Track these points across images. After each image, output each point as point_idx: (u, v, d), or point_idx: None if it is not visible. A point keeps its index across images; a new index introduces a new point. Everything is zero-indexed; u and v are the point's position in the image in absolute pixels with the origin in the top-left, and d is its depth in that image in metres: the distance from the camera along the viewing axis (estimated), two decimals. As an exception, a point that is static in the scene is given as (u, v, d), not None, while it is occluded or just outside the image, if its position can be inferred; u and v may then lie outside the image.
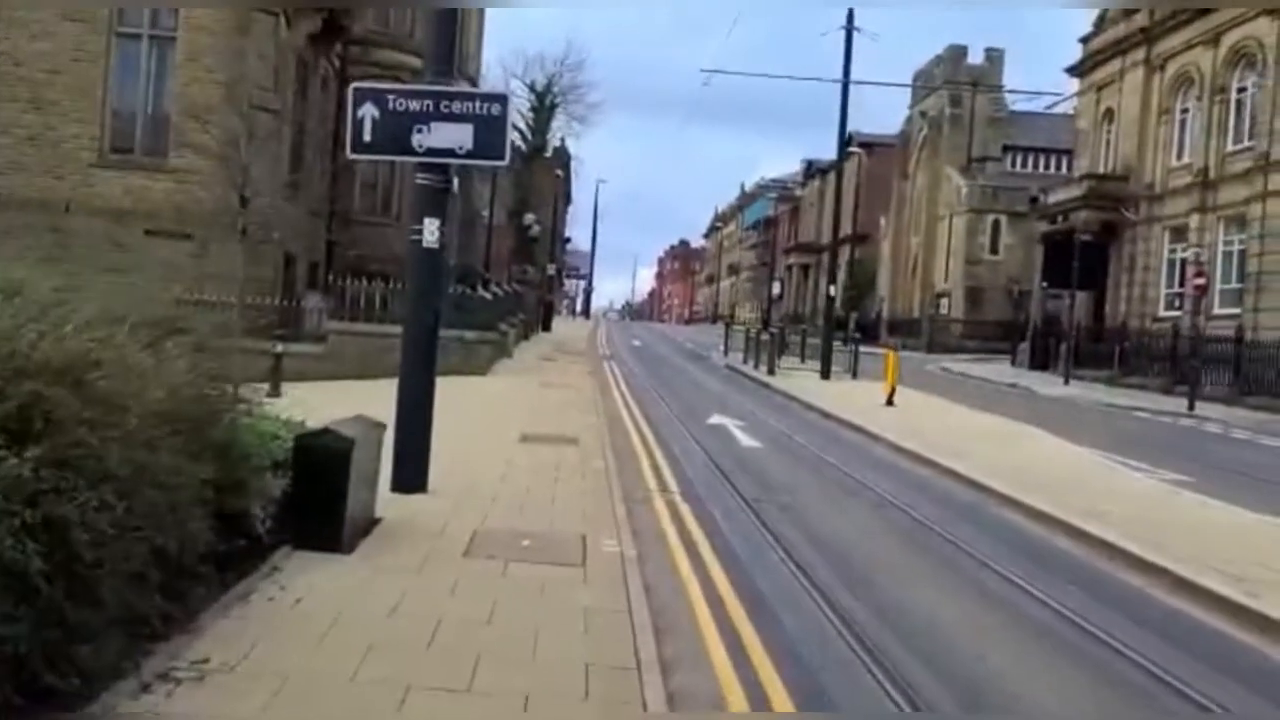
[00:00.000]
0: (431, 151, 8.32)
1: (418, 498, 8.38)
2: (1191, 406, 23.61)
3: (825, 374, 25.18)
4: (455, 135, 8.29)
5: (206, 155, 20.96)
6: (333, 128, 32.02)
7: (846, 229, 70.95)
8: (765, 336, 28.94)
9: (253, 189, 17.10)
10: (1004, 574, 7.62)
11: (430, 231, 8.38)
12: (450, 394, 18.19)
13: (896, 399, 19.24)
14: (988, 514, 10.08)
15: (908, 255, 61.38)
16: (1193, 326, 25.37)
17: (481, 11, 41.00)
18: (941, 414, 18.82)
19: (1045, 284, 36.84)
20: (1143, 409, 23.45)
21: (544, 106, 64.17)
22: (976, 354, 46.13)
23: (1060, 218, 37.51)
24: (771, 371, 25.55)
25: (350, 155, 8.50)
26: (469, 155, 8.35)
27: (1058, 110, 62.13)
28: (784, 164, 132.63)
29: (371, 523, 7.29)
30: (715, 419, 16.66)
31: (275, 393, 16.78)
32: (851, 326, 51.30)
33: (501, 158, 8.42)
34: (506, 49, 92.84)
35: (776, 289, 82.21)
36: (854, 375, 26.07)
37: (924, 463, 12.71)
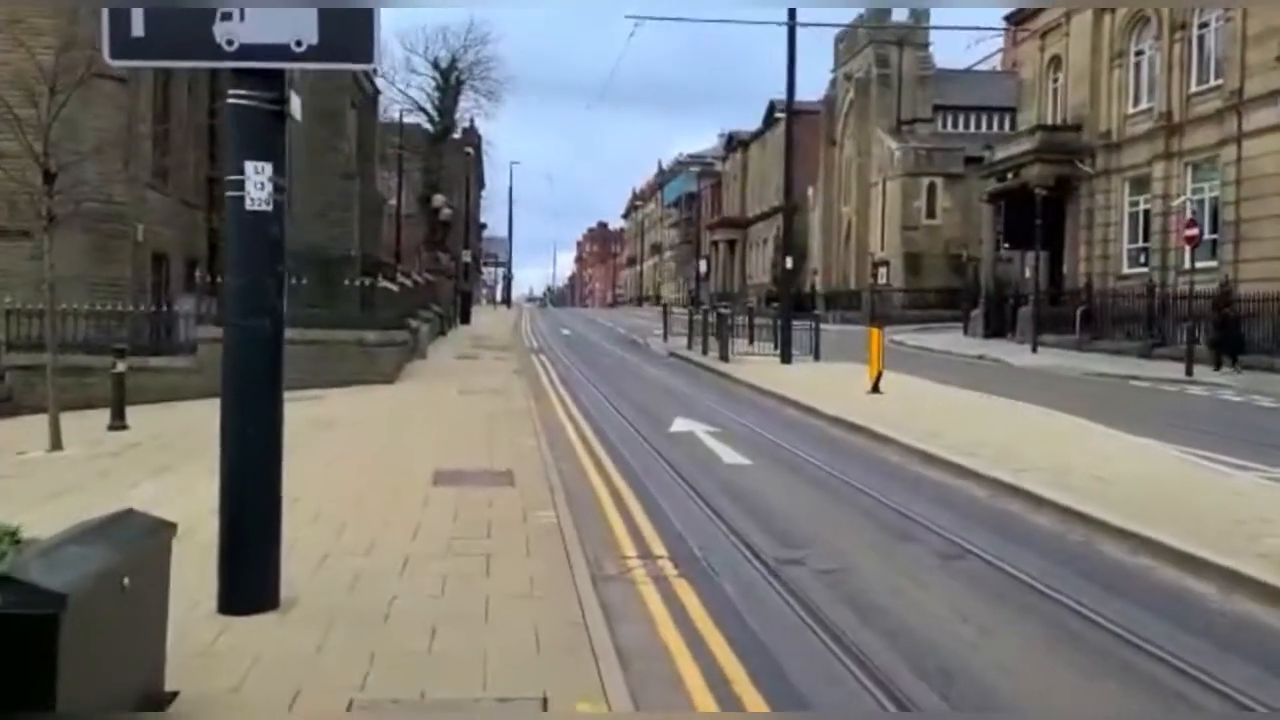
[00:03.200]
0: (249, 51, 5.04)
1: (258, 624, 5.09)
2: (1189, 371, 21.25)
3: (786, 358, 22.23)
4: (287, 22, 5.01)
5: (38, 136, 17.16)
6: (208, 105, 28.17)
7: (775, 201, 68.53)
8: (710, 319, 25.90)
9: (76, 167, 13.42)
10: None
11: (257, 183, 5.09)
12: (344, 412, 14.42)
13: (881, 384, 16.34)
14: (1135, 573, 7.10)
15: (839, 224, 59.02)
16: (1189, 283, 22.97)
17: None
18: (938, 400, 15.96)
19: (1006, 245, 34.43)
20: (1137, 378, 21.00)
21: (449, 85, 60.20)
22: (921, 324, 43.82)
23: (1010, 174, 35.13)
24: (725, 358, 22.52)
25: (110, 60, 5.12)
26: (313, 55, 5.05)
27: (986, 66, 60.49)
28: (696, 142, 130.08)
29: (159, 702, 4.00)
30: (680, 424, 13.54)
31: (119, 422, 13.22)
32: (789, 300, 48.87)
33: (367, 58, 5.17)
34: (406, 24, 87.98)
35: (703, 267, 79.40)
36: (816, 357, 23.16)
37: (969, 476, 9.75)
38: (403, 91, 57.59)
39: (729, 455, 11.23)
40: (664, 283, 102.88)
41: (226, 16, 5.02)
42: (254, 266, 5.16)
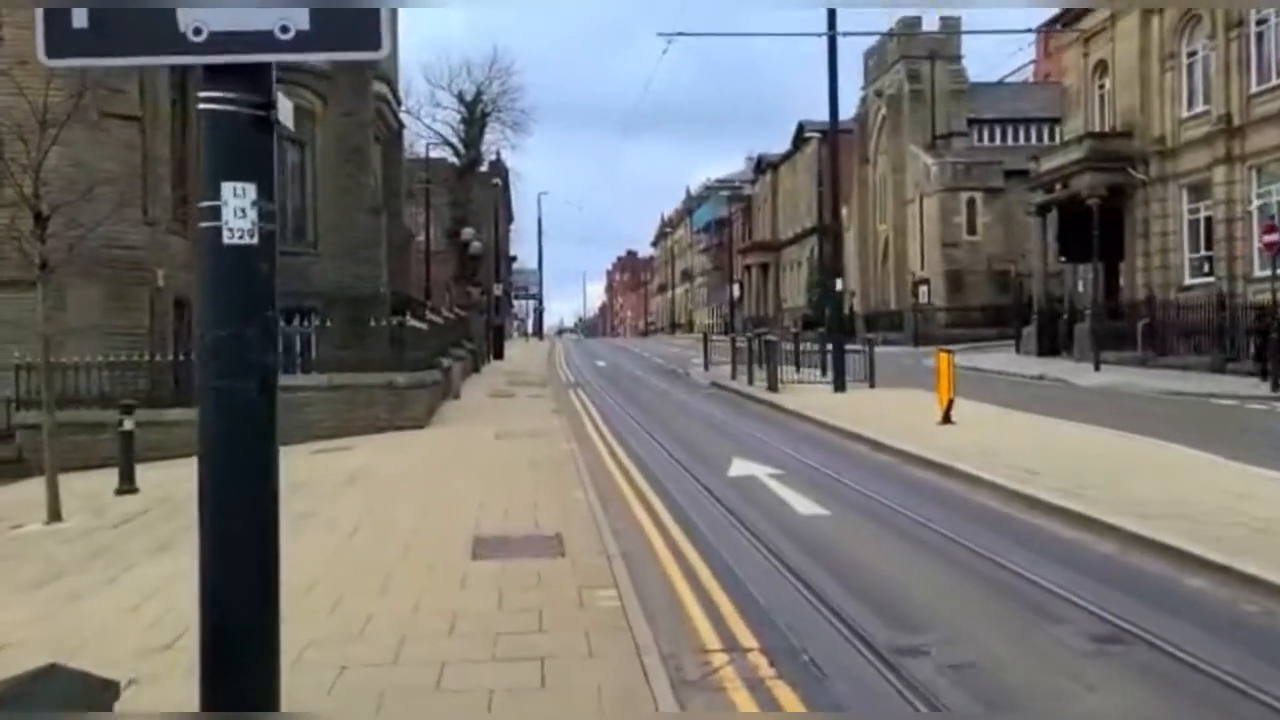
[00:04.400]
0: (222, 42, 3.88)
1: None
2: (1277, 387, 19.75)
3: (840, 385, 20.91)
4: (270, 5, 3.85)
5: (53, 181, 16.32)
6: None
7: (807, 222, 67.31)
8: (753, 345, 24.66)
9: (82, 210, 12.49)
10: None
11: (237, 209, 3.93)
12: (374, 464, 12.97)
13: (955, 413, 15.03)
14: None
15: (876, 244, 57.64)
16: (1272, 292, 21.43)
17: (393, 11, 36.45)
18: (1018, 429, 14.61)
19: (1062, 258, 32.97)
20: (1215, 395, 19.51)
21: (475, 117, 59.59)
22: (968, 343, 42.27)
23: (1059, 185, 33.70)
24: (773, 387, 21.25)
25: (46, 60, 4.00)
26: (304, 43, 3.89)
27: (1018, 78, 59.13)
28: (723, 167, 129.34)
29: None
30: (739, 466, 12.30)
31: (127, 485, 12.17)
32: (824, 323, 47.48)
33: (373, 44, 3.99)
34: (428, 57, 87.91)
35: (736, 292, 78.18)
36: (872, 383, 21.83)
37: (1087, 525, 8.44)
38: (428, 126, 57.08)
39: (801, 504, 9.97)
40: (696, 309, 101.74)
41: (194, 3, 3.87)
42: (235, 314, 3.98)
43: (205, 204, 4.00)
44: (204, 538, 4.07)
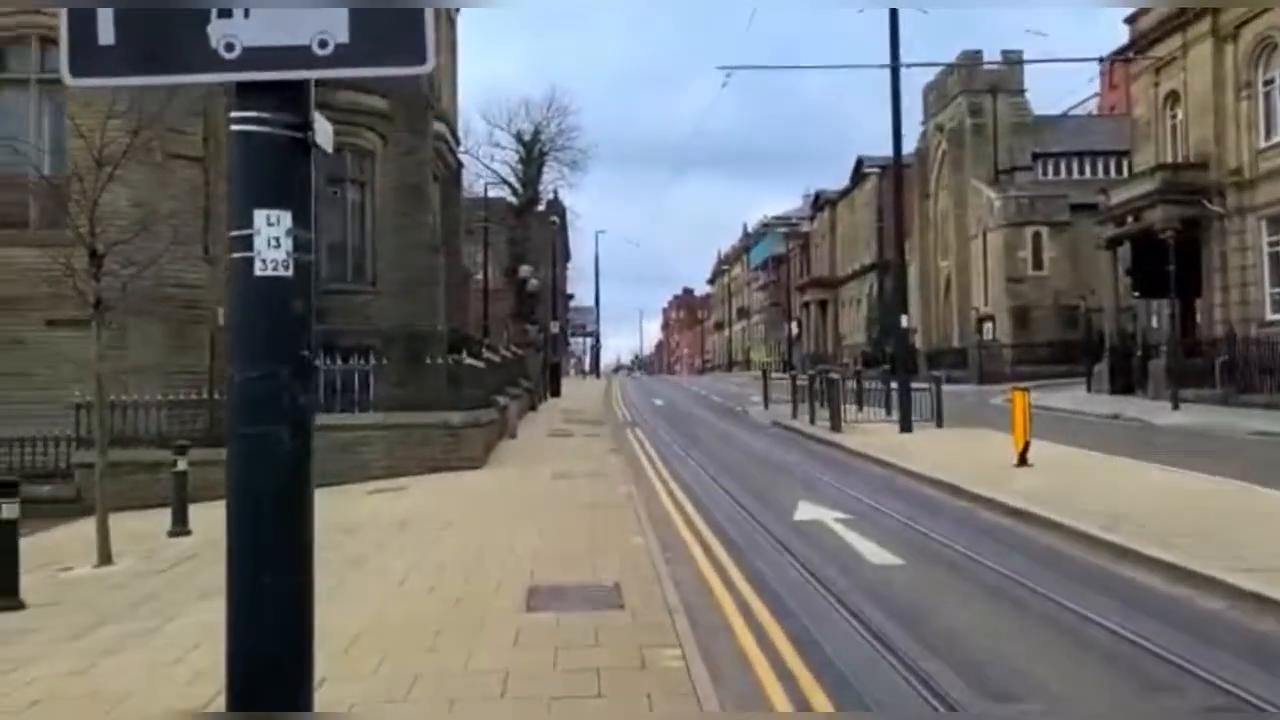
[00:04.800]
0: (255, 58, 3.57)
1: None
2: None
3: (906, 425, 20.25)
4: (307, 17, 3.54)
5: (116, 220, 16.46)
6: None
7: (866, 259, 66.55)
8: (814, 383, 24.09)
9: (141, 249, 12.46)
10: None
11: (270, 239, 3.61)
12: (427, 506, 12.70)
13: (1031, 455, 14.34)
14: None
15: (938, 279, 56.70)
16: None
17: (453, 49, 36.81)
18: (1099, 472, 13.88)
19: (1136, 293, 31.96)
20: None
21: (533, 156, 60.06)
22: (1035, 380, 41.14)
23: (1130, 219, 32.74)
24: (836, 427, 20.65)
25: (71, 80, 3.74)
26: (343, 58, 3.57)
27: (1081, 110, 58.08)
28: (779, 204, 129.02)
29: None
30: (805, 511, 11.77)
31: (180, 527, 11.98)
32: (884, 361, 46.59)
33: (418, 58, 3.66)
34: (486, 100, 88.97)
35: (794, 329, 77.49)
36: (939, 423, 21.13)
37: (1190, 580, 7.80)
38: (486, 165, 57.61)
39: (873, 552, 9.43)
40: (753, 347, 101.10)
41: (225, 14, 3.56)
42: (267, 353, 3.65)
43: (236, 233, 3.68)
44: (232, 599, 3.72)
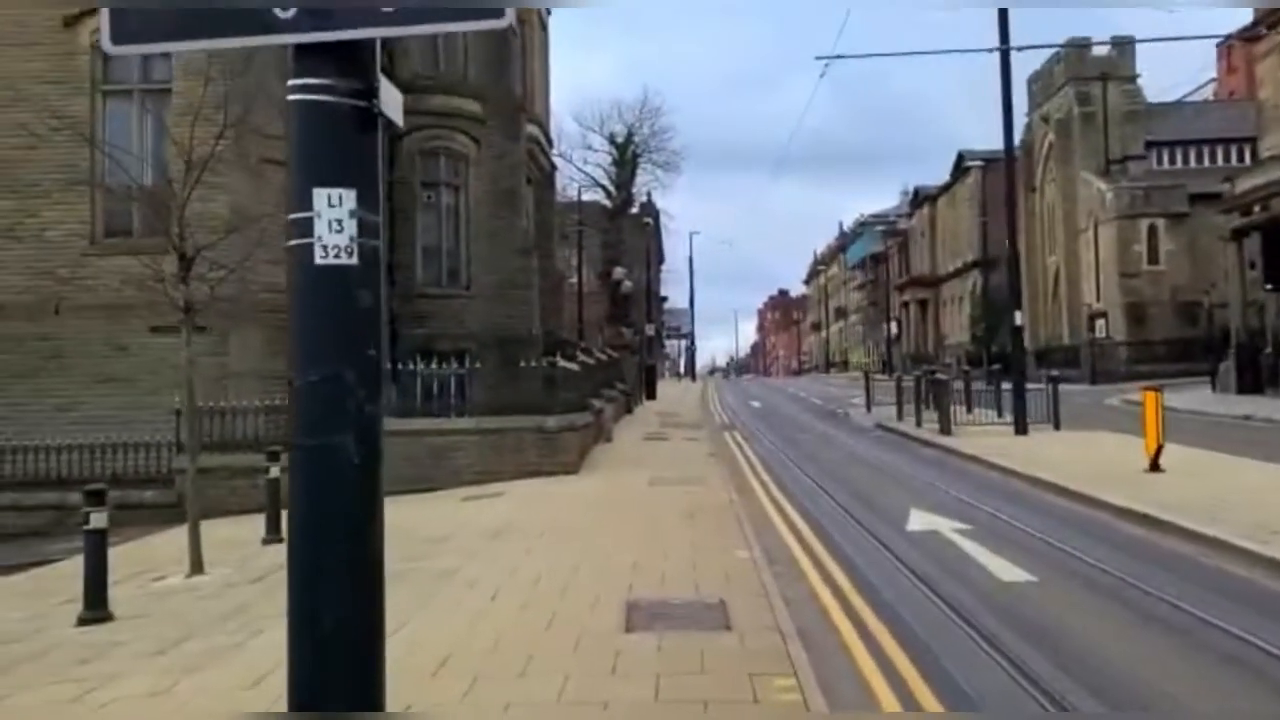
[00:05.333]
0: (312, 18, 3.10)
1: None
2: None
3: (1021, 428, 19.19)
4: (374, -31, 3.05)
5: (214, 226, 16.58)
6: (387, 189, 27.79)
7: (969, 256, 64.61)
8: (920, 384, 23.12)
9: (234, 253, 12.38)
10: None
11: (333, 222, 3.16)
12: (521, 513, 12.18)
13: (1163, 459, 13.31)
14: None
15: (1045, 275, 54.64)
16: None
17: (545, 52, 36.69)
18: (1245, 479, 12.76)
19: (1268, 286, 30.11)
20: None
21: (626, 159, 59.87)
22: (1152, 380, 39.10)
23: (1258, 208, 30.84)
24: (946, 430, 19.70)
25: (111, 47, 3.33)
26: (413, 15, 3.10)
27: (1198, 97, 55.37)
28: (874, 203, 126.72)
29: None
30: (918, 519, 11.03)
31: (274, 535, 11.80)
32: (988, 360, 44.95)
33: (497, 13, 3.16)
34: (578, 103, 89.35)
35: (894, 329, 75.74)
36: (1056, 425, 20.00)
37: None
38: (579, 169, 57.61)
39: (999, 567, 8.66)
40: (851, 347, 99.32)
41: (282, -29, 3.11)
42: (330, 354, 3.19)
43: (294, 216, 3.23)
44: (293, 627, 3.27)
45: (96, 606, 7.93)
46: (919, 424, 21.67)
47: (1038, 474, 13.56)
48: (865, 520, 11.28)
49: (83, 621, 7.84)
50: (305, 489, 3.21)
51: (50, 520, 16.02)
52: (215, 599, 8.52)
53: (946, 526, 10.54)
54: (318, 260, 3.18)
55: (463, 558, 9.43)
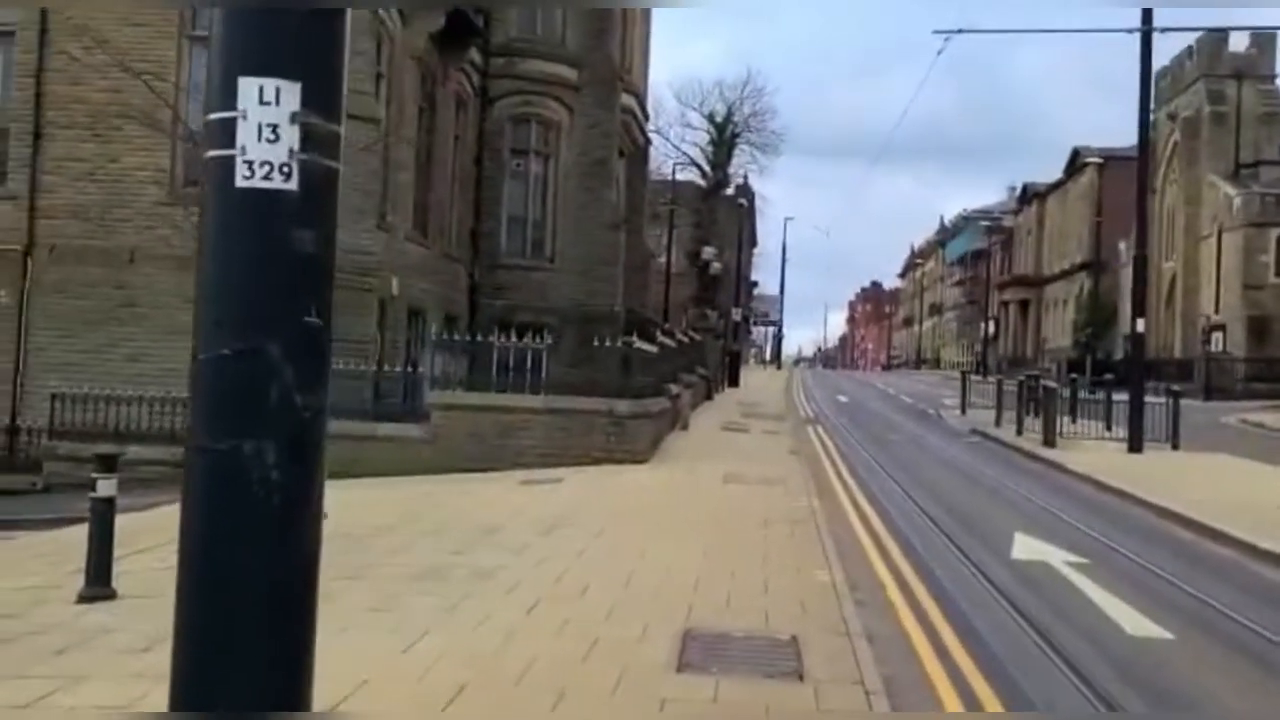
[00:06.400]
0: None
1: None
2: None
3: (1136, 444, 17.55)
4: None
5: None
6: (475, 155, 27.05)
7: (1077, 257, 61.70)
8: (1024, 389, 21.52)
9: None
10: None
11: (266, 125, 2.10)
12: (579, 506, 11.06)
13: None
14: None
15: (1160, 283, 51.67)
16: None
17: (647, 21, 35.51)
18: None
19: None
20: None
21: (724, 139, 58.51)
22: (1272, 400, 36.56)
23: None
24: (1050, 442, 18.16)
25: None
26: None
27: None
28: (976, 198, 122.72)
29: None
30: (1024, 546, 9.74)
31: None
32: (1089, 369, 42.64)
33: None
34: (681, 81, 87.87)
35: (990, 328, 72.96)
36: (1175, 444, 18.30)
37: None
38: (676, 146, 56.43)
39: (1125, 616, 7.36)
40: (944, 345, 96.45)
41: None
42: (249, 316, 2.18)
43: (213, 116, 2.21)
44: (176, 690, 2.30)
45: (99, 582, 7.16)
46: (1019, 432, 20.13)
47: (1160, 501, 12.07)
48: (963, 542, 10.02)
49: (82, 599, 7.08)
50: (203, 515, 2.20)
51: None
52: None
53: (1058, 558, 9.23)
54: (239, 181, 2.15)
55: (508, 555, 8.47)
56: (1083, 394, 24.45)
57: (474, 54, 25.49)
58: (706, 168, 57.86)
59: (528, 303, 26.86)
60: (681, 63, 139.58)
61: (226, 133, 2.16)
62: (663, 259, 45.16)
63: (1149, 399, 19.20)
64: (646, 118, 36.25)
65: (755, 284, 77.79)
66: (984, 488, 14.29)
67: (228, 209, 2.17)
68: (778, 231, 76.59)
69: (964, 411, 26.62)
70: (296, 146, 2.14)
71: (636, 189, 35.09)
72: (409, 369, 19.71)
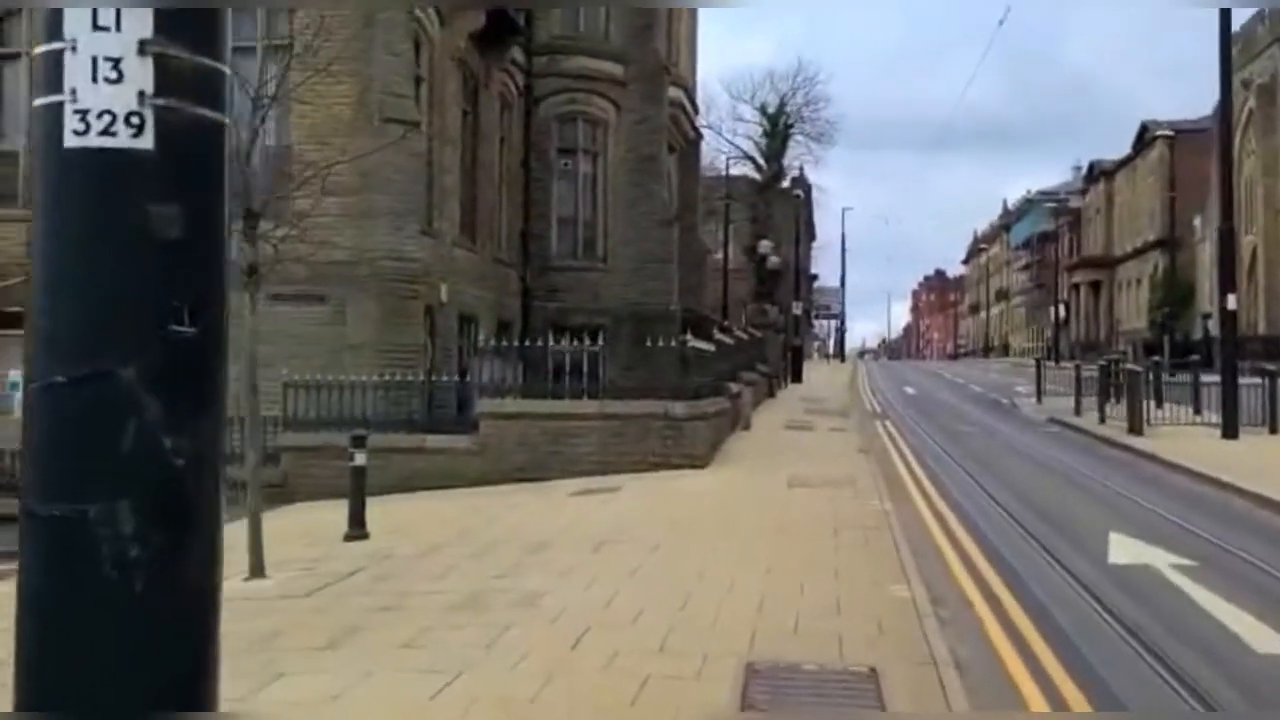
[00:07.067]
0: None
1: None
2: None
3: (1231, 429, 16.39)
4: None
5: (336, 190, 15.50)
6: (522, 156, 26.55)
7: (1150, 235, 59.55)
8: (1105, 374, 20.40)
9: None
10: None
11: (104, 61, 1.45)
12: (632, 518, 10.29)
13: None
14: None
15: (1240, 257, 49.53)
16: None
17: (694, 12, 34.75)
18: None
19: None
20: None
21: (778, 130, 57.49)
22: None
23: None
24: (1136, 429, 17.07)
25: None
26: None
27: None
28: (1040, 180, 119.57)
29: None
30: (1122, 548, 8.85)
31: (356, 530, 10.49)
32: (1167, 350, 40.87)
33: None
34: (732, 75, 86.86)
35: (1061, 312, 70.82)
36: (1273, 429, 17.10)
37: None
38: (729, 140, 55.57)
39: (1249, 629, 6.50)
40: (1013, 331, 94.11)
41: None
42: (93, 329, 1.51)
43: (39, 50, 1.58)
44: None
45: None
46: (1102, 420, 19.05)
47: (1265, 491, 11.06)
48: (1053, 546, 9.17)
49: None
50: (37, 611, 1.56)
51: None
52: (259, 617, 7.15)
53: (1163, 561, 8.35)
54: (70, 140, 1.51)
55: (554, 576, 7.84)
56: (1165, 377, 23.21)
57: (516, 53, 25.01)
58: (761, 161, 56.95)
59: (581, 305, 26.30)
60: (732, 59, 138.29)
61: (55, 72, 1.53)
62: (719, 255, 44.36)
63: (1241, 380, 18.00)
64: (696, 111, 35.49)
65: (815, 277, 76.49)
66: (1070, 482, 13.33)
67: (60, 177, 1.53)
68: (836, 223, 75.58)
69: (1039, 399, 25.46)
70: (149, 89, 1.50)
71: (689, 184, 34.37)
72: (460, 378, 19.26)
